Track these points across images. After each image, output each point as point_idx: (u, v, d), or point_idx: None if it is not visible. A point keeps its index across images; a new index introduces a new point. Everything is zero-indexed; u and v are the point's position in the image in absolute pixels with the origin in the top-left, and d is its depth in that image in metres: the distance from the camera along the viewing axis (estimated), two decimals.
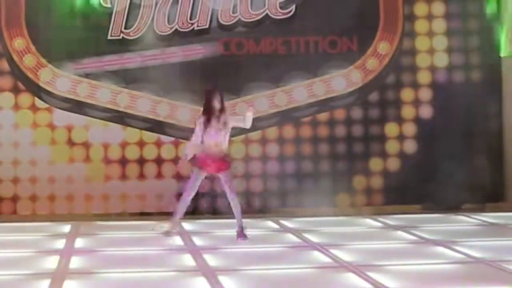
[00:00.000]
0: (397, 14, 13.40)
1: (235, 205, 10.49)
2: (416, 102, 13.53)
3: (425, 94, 13.55)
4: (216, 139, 10.37)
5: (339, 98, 13.38)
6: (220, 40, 13.21)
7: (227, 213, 11.06)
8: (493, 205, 13.26)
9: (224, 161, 10.46)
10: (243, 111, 11.06)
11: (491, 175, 13.46)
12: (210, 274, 8.45)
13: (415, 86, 13.56)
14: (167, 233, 10.70)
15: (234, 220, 10.87)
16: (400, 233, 11.07)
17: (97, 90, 13.05)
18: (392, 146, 13.50)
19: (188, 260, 9.32)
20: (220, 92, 10.52)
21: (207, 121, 10.37)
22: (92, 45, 13.04)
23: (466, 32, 13.60)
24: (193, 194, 10.57)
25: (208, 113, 10.40)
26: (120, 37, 13.07)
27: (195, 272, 8.65)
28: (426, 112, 13.53)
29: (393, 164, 13.47)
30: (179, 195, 13.11)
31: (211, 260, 9.23)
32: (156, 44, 13.13)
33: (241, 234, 10.51)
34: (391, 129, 13.51)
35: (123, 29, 13.06)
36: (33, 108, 13.05)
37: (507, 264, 8.73)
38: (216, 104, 10.37)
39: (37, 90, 13.02)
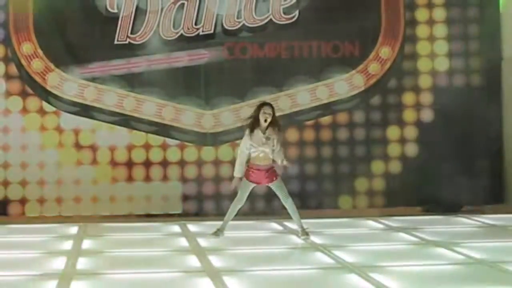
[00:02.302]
0: (399, 19, 13.50)
1: (290, 207, 10.52)
2: (417, 106, 13.63)
3: (426, 98, 13.66)
4: (261, 150, 10.32)
5: (341, 101, 13.52)
6: (224, 44, 13.33)
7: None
8: (493, 207, 13.32)
9: (272, 172, 10.45)
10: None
11: (491, 177, 13.53)
12: (215, 275, 8.55)
13: (416, 90, 13.66)
14: (214, 234, 10.67)
15: (237, 222, 10.96)
16: (401, 234, 11.13)
17: (103, 94, 13.18)
18: (393, 149, 13.60)
19: (193, 261, 9.39)
20: (271, 106, 10.43)
21: (251, 133, 10.31)
22: (99, 49, 13.14)
23: (466, 37, 13.70)
24: (240, 205, 10.50)
25: (252, 126, 10.33)
26: (127, 42, 13.17)
27: (200, 273, 8.73)
28: (427, 115, 13.64)
29: (395, 166, 13.58)
30: (185, 197, 13.32)
31: (216, 261, 9.31)
32: (161, 48, 13.22)
33: (303, 233, 10.56)
34: (392, 132, 13.62)
35: (129, 34, 13.16)
36: (41, 111, 13.15)
37: (507, 265, 8.80)
38: (263, 119, 10.29)
39: (44, 94, 13.12)
